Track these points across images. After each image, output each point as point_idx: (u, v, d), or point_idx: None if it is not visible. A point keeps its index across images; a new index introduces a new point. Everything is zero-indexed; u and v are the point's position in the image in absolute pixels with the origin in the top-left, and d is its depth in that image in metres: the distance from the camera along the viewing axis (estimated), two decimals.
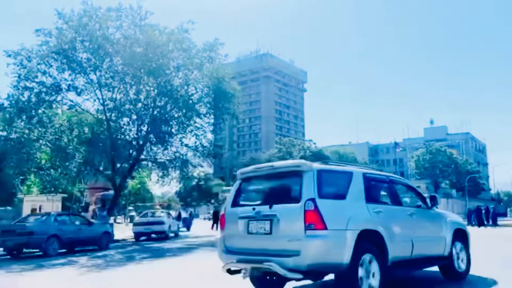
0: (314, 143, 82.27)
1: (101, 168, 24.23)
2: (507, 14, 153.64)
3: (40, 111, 20.31)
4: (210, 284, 7.80)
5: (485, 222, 31.72)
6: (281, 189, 5.99)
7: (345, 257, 5.10)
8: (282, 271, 5.06)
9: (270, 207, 5.57)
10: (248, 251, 5.72)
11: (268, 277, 6.05)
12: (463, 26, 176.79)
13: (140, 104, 21.95)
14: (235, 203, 6.20)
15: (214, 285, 7.74)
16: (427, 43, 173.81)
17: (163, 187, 24.36)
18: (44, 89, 19.95)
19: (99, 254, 14.27)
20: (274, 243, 5.43)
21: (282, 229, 5.37)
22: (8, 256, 14.13)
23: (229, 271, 5.81)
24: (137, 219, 25.01)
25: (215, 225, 27.79)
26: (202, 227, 31.93)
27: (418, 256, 6.27)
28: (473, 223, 31.57)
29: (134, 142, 22.47)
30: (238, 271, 5.73)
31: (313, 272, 5.24)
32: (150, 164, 24.79)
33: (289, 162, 6.05)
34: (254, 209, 5.75)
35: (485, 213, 32.60)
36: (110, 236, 17.43)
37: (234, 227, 5.98)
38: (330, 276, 5.54)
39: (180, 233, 24.61)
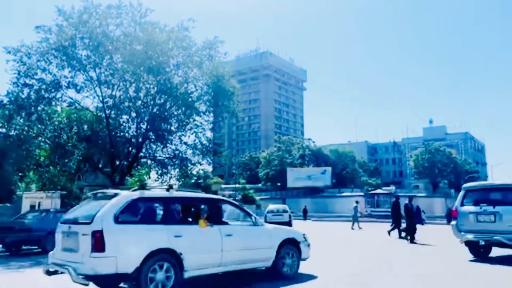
0: (313, 142, 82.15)
1: (100, 166, 24.22)
2: (507, 13, 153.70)
3: (39, 108, 20.26)
4: (209, 281, 7.83)
5: None
6: (500, 197, 10.23)
7: None
8: (507, 242, 9.43)
9: (494, 207, 9.91)
10: (477, 231, 10.06)
11: (481, 249, 10.57)
12: (463, 26, 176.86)
13: (139, 102, 21.91)
14: (462, 204, 10.71)
15: (213, 283, 7.79)
16: (427, 42, 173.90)
17: (162, 185, 24.29)
18: (44, 86, 19.89)
19: None
20: (498, 227, 9.70)
21: (504, 219, 9.65)
22: (7, 253, 14.15)
23: (466, 243, 10.42)
24: None
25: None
26: None
27: None
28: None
29: (133, 140, 22.45)
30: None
31: None
32: (149, 161, 24.78)
33: (507, 181, 10.84)
34: (481, 207, 10.14)
35: None
36: None
37: (464, 218, 10.48)
38: None
39: None
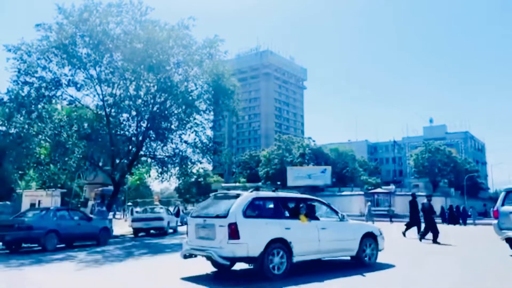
0: (313, 141, 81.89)
1: (100, 164, 24.22)
2: (507, 12, 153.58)
3: (39, 106, 20.26)
4: (209, 279, 7.86)
5: (460, 221, 32.85)
6: None
7: None
8: None
9: None
10: None
11: None
12: (463, 26, 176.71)
13: (139, 100, 21.92)
14: (503, 204, 11.45)
15: (213, 279, 7.90)
16: (427, 42, 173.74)
17: (162, 183, 24.45)
18: (44, 84, 19.89)
19: (98, 249, 14.32)
20: None
21: None
22: (7, 251, 14.16)
23: (507, 239, 11.10)
24: (136, 214, 25.11)
25: None
26: None
27: None
28: (448, 221, 32.90)
29: (133, 138, 22.46)
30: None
31: None
32: (149, 160, 24.79)
33: None
34: None
35: (457, 212, 33.86)
36: (109, 232, 17.48)
37: (505, 217, 11.18)
38: None
39: (178, 229, 24.67)
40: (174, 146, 23.41)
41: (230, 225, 7.48)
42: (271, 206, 8.56)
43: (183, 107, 21.84)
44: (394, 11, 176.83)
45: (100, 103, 21.55)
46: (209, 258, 7.88)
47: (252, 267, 7.94)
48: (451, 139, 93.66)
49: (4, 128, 21.60)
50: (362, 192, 55.79)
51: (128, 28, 20.61)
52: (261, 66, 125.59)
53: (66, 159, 21.40)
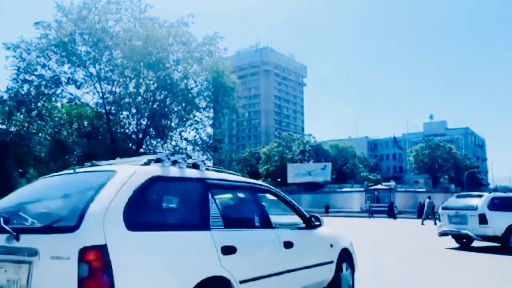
0: (314, 138, 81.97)
1: None
2: (506, 8, 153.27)
3: (39, 104, 20.26)
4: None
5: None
6: None
7: None
8: None
9: None
10: None
11: None
12: (463, 24, 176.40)
13: (139, 98, 21.90)
14: None
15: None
16: (428, 39, 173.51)
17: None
18: (44, 82, 19.89)
19: None
20: None
21: None
22: None
23: None
24: None
25: None
26: None
27: None
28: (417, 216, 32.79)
29: (133, 136, 22.46)
30: None
31: None
32: None
33: None
34: None
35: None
36: None
37: None
38: None
39: None
40: (174, 143, 23.42)
41: (480, 215, 10.73)
42: (504, 203, 11.32)
43: (183, 104, 21.83)
44: (394, 8, 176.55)
45: (100, 101, 21.54)
46: (456, 236, 11.73)
47: (495, 243, 11.02)
48: (451, 135, 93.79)
49: (4, 127, 21.57)
50: (362, 189, 55.90)
51: (127, 25, 20.58)
52: (261, 63, 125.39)
53: (66, 157, 21.41)
